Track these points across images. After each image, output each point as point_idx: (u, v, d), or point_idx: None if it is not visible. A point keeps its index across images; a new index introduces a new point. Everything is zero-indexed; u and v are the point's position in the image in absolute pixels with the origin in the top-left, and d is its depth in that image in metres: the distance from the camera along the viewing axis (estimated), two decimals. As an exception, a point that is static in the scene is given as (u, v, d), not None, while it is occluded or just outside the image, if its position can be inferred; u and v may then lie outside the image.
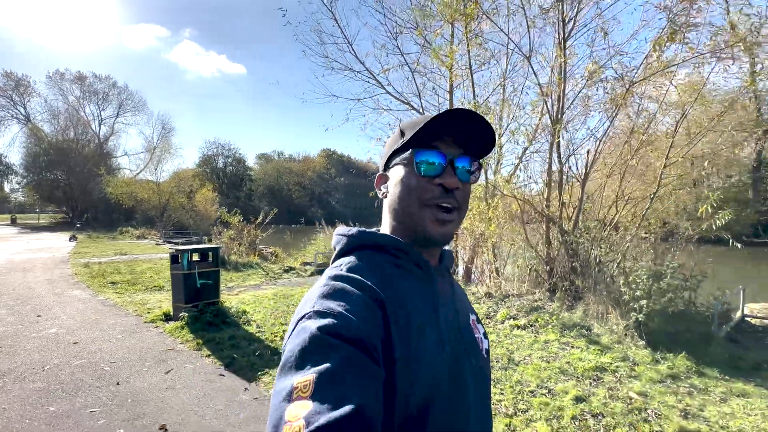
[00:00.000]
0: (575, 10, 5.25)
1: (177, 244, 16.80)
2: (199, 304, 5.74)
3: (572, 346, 4.72)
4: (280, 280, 9.86)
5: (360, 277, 0.62)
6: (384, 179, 0.76)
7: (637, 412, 3.29)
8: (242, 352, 4.57)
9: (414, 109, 7.73)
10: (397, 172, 0.72)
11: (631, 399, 3.52)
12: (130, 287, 8.45)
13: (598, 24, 5.23)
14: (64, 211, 42.61)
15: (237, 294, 7.93)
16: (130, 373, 4.04)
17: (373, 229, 0.77)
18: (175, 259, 5.88)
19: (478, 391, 0.70)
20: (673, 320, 4.86)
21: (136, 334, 5.26)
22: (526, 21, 5.65)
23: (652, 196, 6.45)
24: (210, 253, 6.17)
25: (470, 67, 6.45)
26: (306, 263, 11.71)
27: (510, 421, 3.14)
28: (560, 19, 5.35)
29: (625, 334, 4.75)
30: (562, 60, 5.56)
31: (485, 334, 0.81)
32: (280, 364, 0.52)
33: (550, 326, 5.25)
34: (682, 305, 5.34)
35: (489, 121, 0.69)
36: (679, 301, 5.09)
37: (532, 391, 3.65)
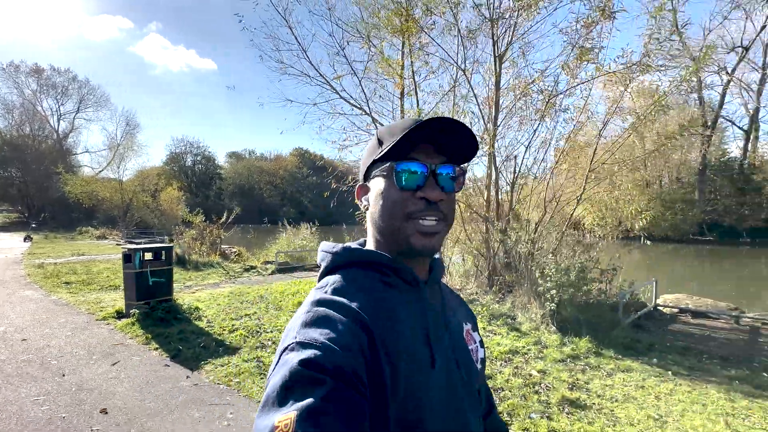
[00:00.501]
0: (504, 29, 5.80)
1: (139, 244, 16.60)
2: (151, 301, 5.95)
3: (495, 333, 5.26)
4: (239, 278, 10.07)
5: (344, 301, 0.61)
6: (364, 190, 0.74)
7: (531, 386, 3.82)
8: (189, 345, 4.84)
9: (367, 113, 8.13)
10: (377, 184, 0.69)
11: (530, 375, 4.06)
12: (85, 287, 8.47)
13: (521, 45, 5.81)
14: (20, 210, 40.67)
15: (194, 292, 8.11)
16: (77, 365, 4.26)
17: (358, 242, 0.77)
18: (127, 258, 6.05)
19: (472, 404, 0.69)
20: (585, 309, 5.48)
21: (87, 331, 5.43)
22: (459, 38, 6.17)
23: (578, 198, 7.11)
24: (163, 252, 6.37)
25: (413, 76, 6.94)
26: (267, 262, 11.92)
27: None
28: (492, 38, 5.89)
29: (542, 322, 5.33)
30: (496, 74, 6.11)
31: (481, 343, 0.80)
32: (262, 399, 0.51)
33: (479, 316, 5.78)
34: (593, 296, 5.99)
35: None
36: (589, 292, 5.73)
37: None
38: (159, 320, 5.64)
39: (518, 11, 5.44)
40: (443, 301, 0.75)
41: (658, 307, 7.11)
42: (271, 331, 5.40)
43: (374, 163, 0.70)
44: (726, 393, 3.77)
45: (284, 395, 0.49)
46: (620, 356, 4.66)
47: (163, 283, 6.16)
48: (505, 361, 4.45)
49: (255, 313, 6.34)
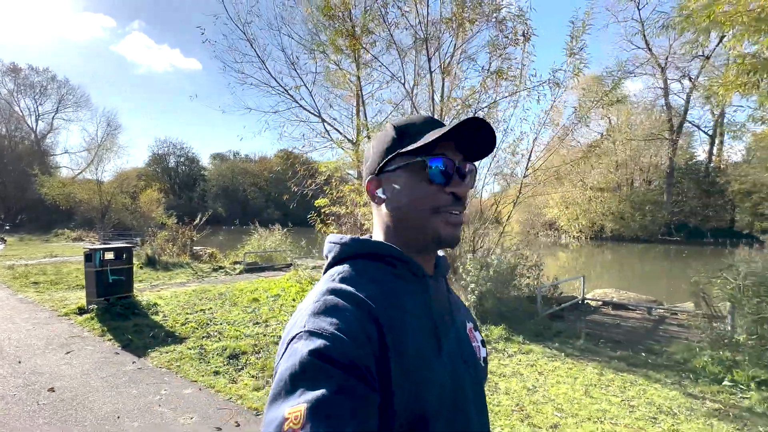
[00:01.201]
0: (434, 49, 6.40)
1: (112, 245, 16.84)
2: (110, 297, 6.38)
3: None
4: (207, 278, 10.49)
5: (353, 290, 0.61)
6: (377, 184, 0.73)
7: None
8: (141, 336, 5.30)
9: (325, 121, 8.66)
10: (400, 179, 0.69)
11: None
12: (53, 286, 8.81)
13: (456, 61, 6.42)
14: (-5, 212, 40.02)
15: (159, 291, 8.52)
16: (33, 354, 4.69)
17: (366, 236, 0.76)
18: (88, 257, 6.47)
19: (477, 401, 0.70)
20: (506, 301, 6.10)
21: (48, 326, 5.84)
22: (399, 54, 6.75)
23: (514, 201, 7.75)
24: (123, 253, 6.80)
25: (360, 88, 7.49)
26: (236, 262, 12.35)
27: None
28: (427, 56, 6.48)
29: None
30: (430, 90, 6.72)
31: (483, 342, 0.81)
32: (272, 389, 0.51)
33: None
34: (521, 290, 6.63)
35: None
36: (517, 286, 6.36)
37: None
38: (117, 315, 6.07)
39: (446, 32, 6.07)
40: (449, 296, 0.76)
41: (586, 300, 7.82)
42: (220, 324, 5.89)
43: (395, 157, 0.69)
44: (600, 369, 4.41)
45: (294, 386, 0.49)
46: (527, 341, 5.28)
47: (122, 280, 6.59)
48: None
49: (210, 308, 6.81)
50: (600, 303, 7.68)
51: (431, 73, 6.56)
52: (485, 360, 0.79)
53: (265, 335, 5.41)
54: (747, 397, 3.74)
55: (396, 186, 0.70)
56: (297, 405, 0.47)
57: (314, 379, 0.49)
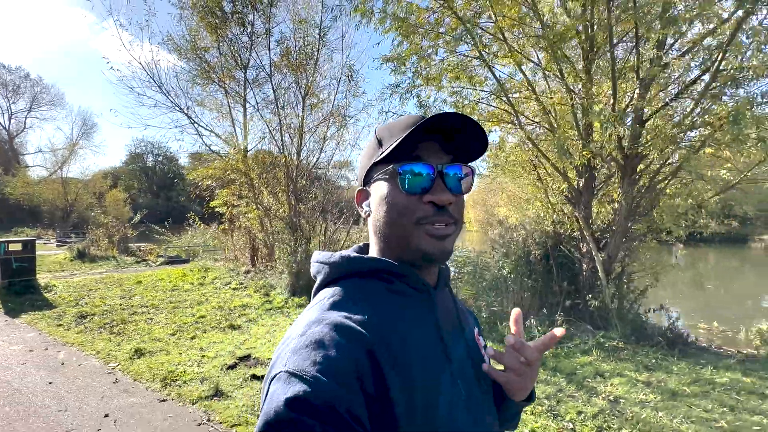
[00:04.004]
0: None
1: (69, 242, 18.32)
2: (14, 280, 8.08)
3: (249, 296, 7.70)
4: (126, 268, 12.17)
5: (345, 320, 0.55)
6: (365, 195, 0.69)
7: (229, 315, 6.22)
8: (23, 306, 7.03)
9: (218, 136, 10.40)
10: (379, 189, 0.64)
11: (240, 313, 6.48)
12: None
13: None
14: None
15: (73, 277, 10.20)
16: (-65, 317, 6.41)
17: (354, 249, 0.72)
18: (-4, 248, 8.16)
19: (489, 412, 0.68)
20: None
21: (-42, 301, 7.53)
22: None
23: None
24: (28, 244, 8.50)
25: (230, 110, 9.28)
26: (160, 255, 14.04)
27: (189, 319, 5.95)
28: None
29: (285, 288, 7.79)
30: (302, 116, 8.57)
31: (485, 347, 0.75)
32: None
33: (252, 288, 8.22)
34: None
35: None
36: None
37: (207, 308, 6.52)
38: (14, 293, 7.78)
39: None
40: (456, 305, 0.73)
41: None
42: (93, 299, 7.64)
43: (375, 166, 0.65)
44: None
45: None
46: (316, 307, 7.14)
47: (26, 267, 8.29)
48: (235, 309, 6.86)
49: (99, 289, 8.56)
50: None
51: (303, 98, 8.42)
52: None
53: (121, 305, 7.18)
54: None
55: (376, 197, 0.65)
56: None
57: None
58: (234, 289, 8.39)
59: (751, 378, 4.05)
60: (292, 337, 0.56)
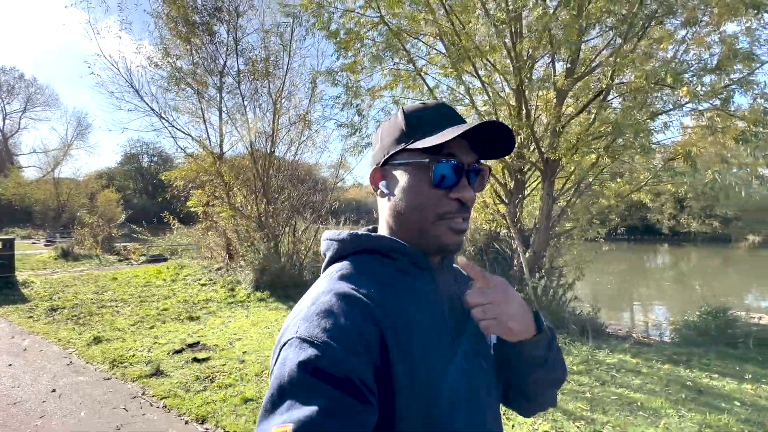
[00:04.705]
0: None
1: (57, 242, 18.75)
2: (-7, 276, 8.52)
3: (215, 291, 8.15)
4: (108, 266, 12.60)
5: (352, 290, 0.58)
6: (381, 175, 0.69)
7: (193, 308, 6.67)
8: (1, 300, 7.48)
9: (195, 139, 10.84)
10: (404, 176, 0.66)
11: (203, 307, 6.93)
12: (-34, 272, 10.86)
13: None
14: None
15: (55, 275, 10.63)
16: None
17: (365, 230, 0.74)
18: (-23, 247, 8.60)
19: (490, 392, 0.68)
20: (278, 274, 8.39)
21: (-61, 296, 7.96)
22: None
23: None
24: (7, 243, 8.95)
25: (202, 115, 9.75)
26: (142, 254, 14.47)
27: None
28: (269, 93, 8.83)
29: (250, 283, 8.25)
30: (273, 122, 9.03)
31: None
32: (265, 396, 0.50)
33: (219, 284, 8.68)
34: (294, 266, 8.93)
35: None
36: (284, 264, 8.66)
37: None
38: (-7, 288, 8.22)
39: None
40: (458, 284, 0.73)
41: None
42: (67, 294, 8.08)
43: (401, 152, 0.66)
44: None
45: (281, 399, 0.49)
46: (276, 301, 7.59)
47: (4, 264, 8.73)
48: (199, 303, 7.31)
49: (75, 285, 8.99)
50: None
51: (275, 103, 8.90)
52: (495, 346, 0.73)
53: (92, 300, 7.62)
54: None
55: (399, 183, 0.66)
56: (283, 425, 0.46)
57: (302, 395, 0.48)
58: (203, 284, 8.86)
59: (637, 359, 4.54)
60: (304, 306, 0.58)
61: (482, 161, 0.69)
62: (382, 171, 0.69)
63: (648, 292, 11.90)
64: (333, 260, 0.69)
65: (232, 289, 8.24)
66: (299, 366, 0.49)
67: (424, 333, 0.60)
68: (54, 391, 3.84)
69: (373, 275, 0.63)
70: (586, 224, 5.60)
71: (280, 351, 0.54)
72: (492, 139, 0.65)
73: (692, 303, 10.59)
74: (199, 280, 9.25)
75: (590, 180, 5.44)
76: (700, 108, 4.49)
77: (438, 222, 0.64)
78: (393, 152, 0.67)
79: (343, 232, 0.70)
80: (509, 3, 4.49)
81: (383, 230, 0.71)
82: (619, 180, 5.74)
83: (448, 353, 0.62)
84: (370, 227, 0.76)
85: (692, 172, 4.96)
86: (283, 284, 8.22)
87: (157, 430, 3.19)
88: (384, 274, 0.64)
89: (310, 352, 0.50)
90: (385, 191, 0.68)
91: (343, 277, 0.62)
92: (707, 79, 4.20)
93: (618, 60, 4.00)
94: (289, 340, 0.54)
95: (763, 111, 4.05)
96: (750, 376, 4.09)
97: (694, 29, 4.29)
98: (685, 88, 3.81)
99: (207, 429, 3.22)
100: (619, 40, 4.32)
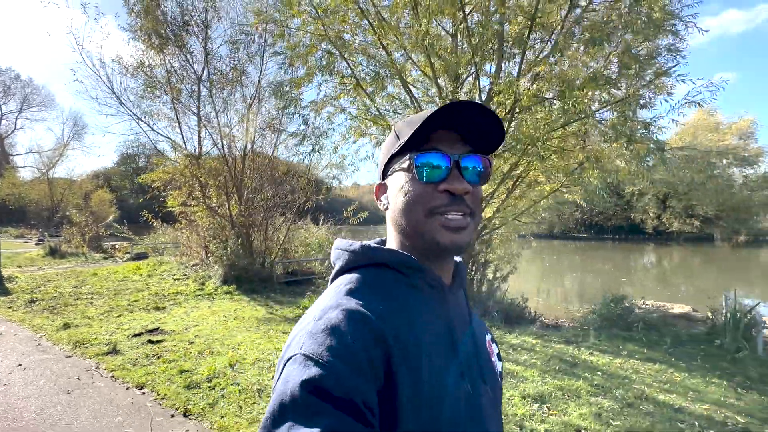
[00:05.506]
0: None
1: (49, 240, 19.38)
2: (-21, 272, 9.12)
3: (186, 285, 8.76)
4: (93, 263, 13.19)
5: (360, 306, 0.57)
6: (383, 189, 0.71)
7: (164, 299, 7.27)
8: (-16, 293, 8.07)
9: (173, 142, 11.44)
10: (396, 181, 0.67)
11: (170, 298, 7.53)
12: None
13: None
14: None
15: (41, 271, 11.23)
16: None
17: (375, 242, 0.73)
18: (-36, 244, 9.19)
19: (493, 418, 0.67)
20: (245, 269, 8.99)
21: (-72, 290, 8.55)
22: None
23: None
24: (-7, 241, 9.53)
25: (178, 120, 10.37)
26: (127, 252, 15.06)
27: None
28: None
29: (219, 279, 8.85)
30: (247, 127, 9.64)
31: (498, 355, 0.78)
32: (266, 411, 0.50)
33: (192, 279, 9.28)
34: (263, 264, 9.54)
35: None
36: (253, 262, 9.27)
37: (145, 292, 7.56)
38: (-22, 283, 8.82)
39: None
40: (468, 309, 0.73)
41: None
42: (48, 288, 8.67)
43: (392, 159, 0.68)
44: (265, 307, 7.35)
45: (282, 420, 0.48)
46: (243, 295, 8.19)
47: (-10, 261, 9.33)
48: (168, 295, 7.91)
49: (57, 280, 9.59)
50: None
51: (249, 106, 9.49)
52: (500, 375, 0.75)
53: (70, 293, 8.21)
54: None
55: (393, 190, 0.67)
56: None
57: (304, 415, 0.47)
58: (176, 279, 9.48)
59: (537, 340, 5.17)
60: (310, 319, 0.57)
61: (482, 155, 0.67)
62: (383, 186, 0.71)
63: (597, 285, 12.53)
64: (343, 271, 0.68)
65: (203, 284, 8.84)
66: (302, 385, 0.49)
67: (432, 354, 0.59)
68: (20, 365, 4.44)
69: (380, 290, 0.62)
70: (511, 221, 6.21)
71: (284, 366, 0.53)
72: (481, 129, 0.64)
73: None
74: (174, 275, 9.87)
75: (510, 184, 6.05)
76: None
77: (430, 218, 0.62)
78: (385, 162, 0.70)
79: (355, 242, 0.69)
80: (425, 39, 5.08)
81: (391, 243, 0.70)
82: (541, 183, 6.35)
83: (454, 376, 0.61)
84: (381, 239, 0.76)
85: (601, 174, 5.62)
86: (249, 279, 8.83)
87: (101, 393, 3.80)
88: (394, 290, 0.63)
89: (314, 371, 0.50)
90: (386, 202, 0.69)
91: (351, 292, 0.61)
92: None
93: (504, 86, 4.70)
94: (293, 355, 0.53)
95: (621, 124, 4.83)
96: (626, 353, 4.72)
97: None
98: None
99: (144, 392, 3.82)
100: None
